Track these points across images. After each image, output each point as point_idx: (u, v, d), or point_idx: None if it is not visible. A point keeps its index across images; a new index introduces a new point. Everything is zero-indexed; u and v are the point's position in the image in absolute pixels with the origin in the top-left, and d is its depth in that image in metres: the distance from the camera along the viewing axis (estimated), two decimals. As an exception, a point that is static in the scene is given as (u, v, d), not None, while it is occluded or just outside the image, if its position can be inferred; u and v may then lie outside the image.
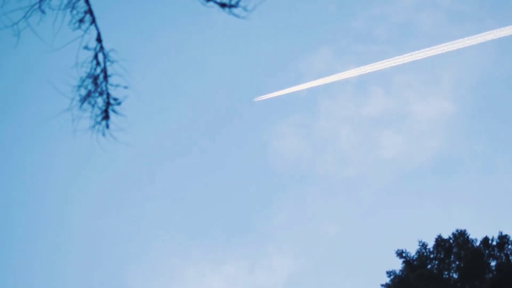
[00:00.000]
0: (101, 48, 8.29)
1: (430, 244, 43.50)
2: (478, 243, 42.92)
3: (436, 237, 43.58)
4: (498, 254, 42.42)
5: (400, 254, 43.16)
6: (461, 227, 43.62)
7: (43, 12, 8.67)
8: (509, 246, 43.13)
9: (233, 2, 7.68)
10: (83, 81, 8.08)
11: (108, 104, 8.04)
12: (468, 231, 42.72)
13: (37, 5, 8.70)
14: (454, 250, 41.73)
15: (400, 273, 41.94)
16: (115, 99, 8.07)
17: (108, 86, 8.10)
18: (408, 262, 42.03)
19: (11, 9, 8.61)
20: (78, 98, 8.02)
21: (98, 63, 8.21)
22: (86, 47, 8.27)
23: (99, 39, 8.37)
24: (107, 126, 7.97)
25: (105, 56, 8.22)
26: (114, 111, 8.00)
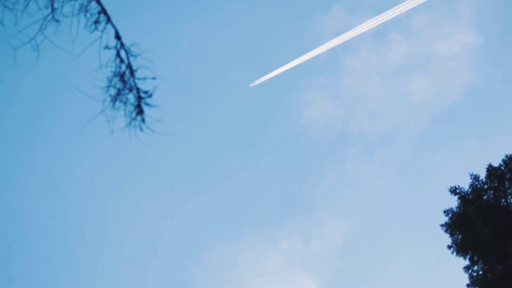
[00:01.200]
0: (122, 44, 8.27)
1: (482, 175, 43.04)
2: (530, 164, 42.32)
3: (487, 166, 43.06)
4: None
5: (453, 191, 42.77)
6: (510, 152, 43.00)
7: (57, 21, 8.67)
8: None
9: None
10: (111, 80, 8.07)
11: (139, 98, 8.03)
12: (518, 154, 42.12)
13: (50, 16, 8.71)
14: (507, 176, 41.25)
15: (458, 210, 41.64)
16: (145, 92, 8.05)
17: (136, 81, 8.09)
18: (463, 197, 41.68)
19: (26, 24, 8.62)
20: (109, 98, 8.03)
21: (121, 60, 8.19)
22: (106, 47, 8.26)
23: (117, 37, 8.35)
24: (143, 120, 7.97)
25: (127, 52, 8.20)
26: (147, 104, 7.99)
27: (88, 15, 8.52)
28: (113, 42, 8.36)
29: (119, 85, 8.05)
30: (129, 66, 8.11)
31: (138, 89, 8.04)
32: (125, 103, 8.01)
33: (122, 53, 8.22)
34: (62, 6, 8.68)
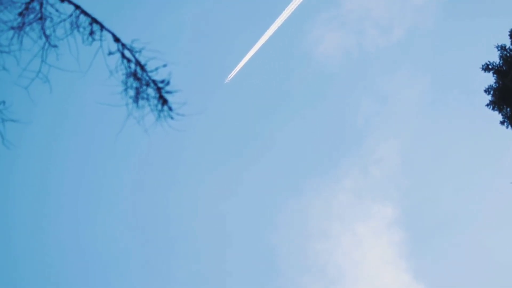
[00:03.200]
0: (123, 45, 8.27)
1: (507, 43, 42.34)
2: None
3: (509, 32, 42.27)
4: None
5: (486, 67, 42.19)
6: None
7: (55, 46, 8.69)
8: None
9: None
10: (126, 83, 8.10)
11: (159, 89, 8.05)
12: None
13: (47, 44, 8.74)
14: (533, 34, 40.46)
15: (496, 85, 41.13)
16: (162, 82, 8.07)
17: (150, 74, 8.10)
18: (497, 71, 41.10)
19: (27, 60, 8.67)
20: (130, 100, 8.07)
21: (128, 60, 8.20)
22: (110, 53, 8.27)
23: (116, 39, 8.35)
24: (170, 108, 8.00)
25: (130, 50, 8.20)
26: (168, 92, 8.01)
27: (81, 29, 8.53)
28: (114, 46, 8.37)
29: (135, 84, 8.08)
30: (137, 63, 8.12)
31: (154, 81, 8.06)
32: (147, 99, 8.05)
33: (127, 53, 8.24)
34: (54, 31, 8.71)
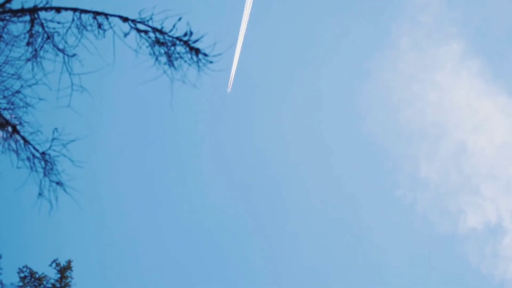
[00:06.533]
0: (133, 21, 8.21)
1: None
2: None
3: None
4: None
5: None
6: None
7: (74, 55, 8.69)
8: None
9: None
10: (154, 53, 8.07)
11: (186, 43, 8.00)
12: None
13: (65, 57, 8.76)
14: None
15: None
16: (185, 35, 8.00)
17: (171, 34, 8.05)
18: None
19: (57, 81, 8.72)
20: (166, 66, 8.05)
21: (145, 32, 8.15)
22: (125, 34, 8.23)
23: (124, 19, 8.28)
24: (205, 54, 7.94)
25: (142, 22, 8.14)
26: (195, 41, 7.95)
27: (89, 28, 8.51)
28: (125, 26, 8.32)
29: (162, 49, 8.04)
30: (154, 29, 8.06)
31: (178, 38, 8.00)
32: (180, 57, 8.00)
33: (140, 26, 8.17)
34: (66, 42, 8.71)
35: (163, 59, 8.03)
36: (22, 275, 22.69)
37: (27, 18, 8.91)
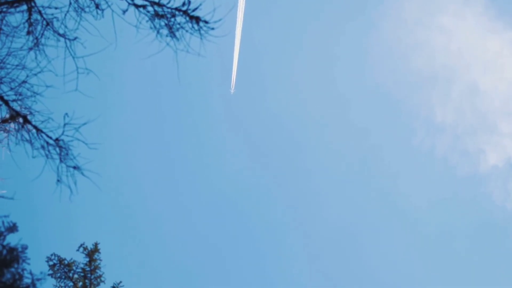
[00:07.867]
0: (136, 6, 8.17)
1: None
2: None
3: None
4: None
5: None
6: None
7: (75, 39, 8.68)
8: None
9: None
10: (154, 26, 8.03)
11: (185, 12, 7.96)
12: None
13: (67, 41, 8.74)
14: None
15: None
16: (183, 4, 7.95)
17: (169, 5, 8.01)
18: None
19: (61, 65, 8.72)
20: (168, 38, 8.02)
21: (143, 6, 8.11)
22: (123, 11, 8.19)
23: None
24: (206, 21, 7.89)
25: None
26: (194, 9, 7.91)
27: (87, 9, 8.47)
28: (123, 4, 8.27)
29: (162, 22, 8.00)
30: (152, 3, 8.02)
31: (176, 9, 7.96)
32: (181, 27, 7.97)
33: (138, 1, 8.13)
34: (65, 26, 8.69)
35: (165, 31, 8.00)
36: (51, 263, 22.98)
37: (24, 7, 8.89)
